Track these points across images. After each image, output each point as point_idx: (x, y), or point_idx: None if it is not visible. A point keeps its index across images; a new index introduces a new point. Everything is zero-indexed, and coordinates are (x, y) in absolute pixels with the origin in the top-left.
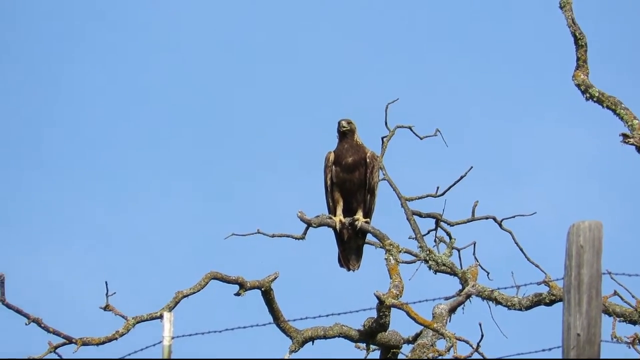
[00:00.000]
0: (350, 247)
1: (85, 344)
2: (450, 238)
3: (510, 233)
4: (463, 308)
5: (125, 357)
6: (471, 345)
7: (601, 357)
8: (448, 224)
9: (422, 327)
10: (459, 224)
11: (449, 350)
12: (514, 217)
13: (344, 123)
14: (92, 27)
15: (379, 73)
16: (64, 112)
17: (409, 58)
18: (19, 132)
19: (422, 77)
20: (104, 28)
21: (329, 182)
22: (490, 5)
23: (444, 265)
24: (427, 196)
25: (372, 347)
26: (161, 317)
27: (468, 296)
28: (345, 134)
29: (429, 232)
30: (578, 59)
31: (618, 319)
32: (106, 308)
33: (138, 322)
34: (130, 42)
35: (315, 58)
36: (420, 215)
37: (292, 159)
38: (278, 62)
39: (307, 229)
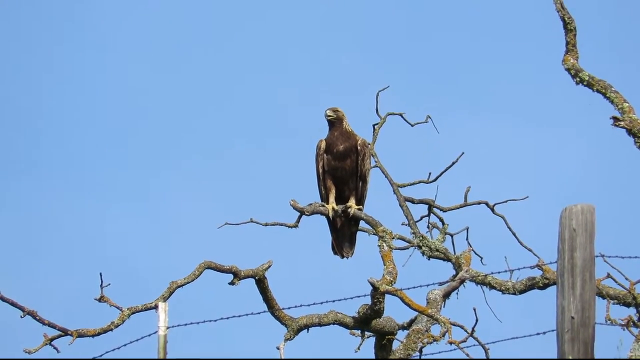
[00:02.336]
0: (343, 235)
1: (80, 335)
2: (443, 224)
3: (503, 218)
4: (457, 293)
5: (121, 348)
6: (466, 330)
7: (596, 340)
8: (441, 210)
9: (417, 313)
10: (451, 209)
11: (443, 336)
12: (506, 201)
13: (328, 112)
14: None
15: (372, 62)
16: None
17: (398, 46)
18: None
19: (413, 65)
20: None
21: (320, 170)
22: None
23: (437, 250)
24: (420, 182)
25: (366, 333)
26: (156, 307)
27: (462, 281)
28: (333, 122)
29: (421, 218)
30: (567, 43)
31: (612, 301)
32: (101, 299)
33: (133, 313)
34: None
35: (309, 46)
36: (412, 201)
37: (282, 147)
38: (281, 49)
39: (300, 217)
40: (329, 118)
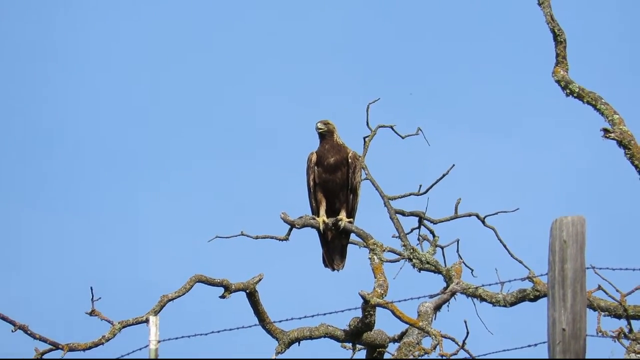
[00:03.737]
0: (334, 247)
1: (71, 349)
2: (434, 236)
3: (494, 229)
4: (448, 305)
5: None
6: (457, 343)
7: (587, 352)
8: (431, 222)
9: (408, 325)
10: (442, 221)
11: (434, 348)
12: (496, 213)
13: (319, 125)
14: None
15: (363, 72)
16: None
17: (390, 56)
18: None
19: (404, 77)
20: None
21: (311, 183)
22: (470, 3)
23: (427, 263)
24: (410, 195)
25: (358, 346)
26: (147, 321)
27: (453, 293)
28: (324, 135)
29: (412, 231)
30: (557, 55)
31: (603, 313)
32: (92, 313)
33: (124, 327)
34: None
35: (299, 57)
36: (403, 213)
37: (274, 160)
38: (272, 60)
39: (290, 230)
40: (320, 131)
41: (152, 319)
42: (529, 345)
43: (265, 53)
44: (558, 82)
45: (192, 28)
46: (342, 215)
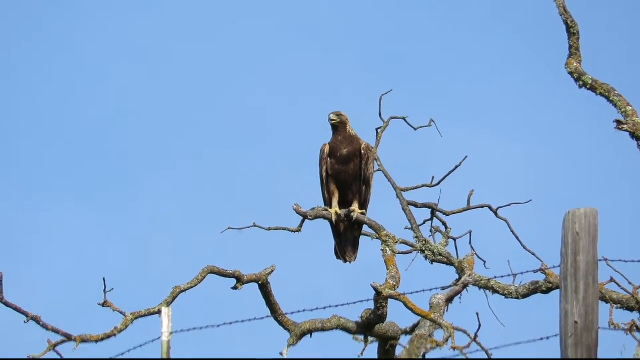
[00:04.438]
0: (346, 239)
1: (84, 341)
2: (446, 228)
3: (506, 221)
4: (460, 298)
5: (124, 354)
6: (469, 335)
7: (599, 344)
8: (444, 214)
9: (420, 317)
10: (454, 213)
11: (446, 341)
12: (509, 205)
13: (332, 116)
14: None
15: (374, 63)
16: None
17: (404, 48)
18: None
19: (416, 68)
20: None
21: (324, 174)
22: None
23: (440, 255)
24: (423, 186)
25: (370, 338)
26: (159, 312)
27: (465, 286)
28: (337, 126)
29: (424, 222)
30: (570, 46)
31: (615, 305)
32: (104, 304)
33: (136, 318)
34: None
35: (312, 50)
36: (415, 205)
37: (287, 151)
38: (281, 54)
39: (303, 221)
40: (333, 122)
41: (164, 310)
42: (541, 338)
43: (276, 45)
44: (571, 73)
45: (200, 21)
46: (355, 206)
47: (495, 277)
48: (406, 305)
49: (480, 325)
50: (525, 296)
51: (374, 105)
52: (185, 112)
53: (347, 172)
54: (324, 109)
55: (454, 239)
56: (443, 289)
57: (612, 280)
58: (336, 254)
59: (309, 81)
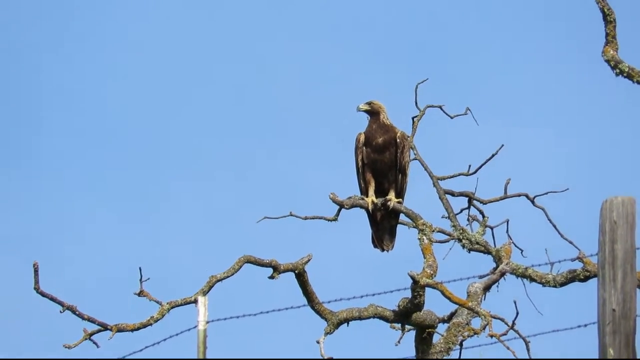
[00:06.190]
0: (383, 228)
1: (120, 330)
2: (483, 216)
3: (543, 210)
4: (497, 286)
5: (160, 342)
6: (506, 323)
7: (637, 332)
8: (481, 202)
9: (457, 306)
10: (491, 202)
11: (484, 329)
12: (546, 193)
13: (361, 105)
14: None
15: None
16: None
17: (440, 36)
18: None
19: (450, 59)
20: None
21: (360, 163)
22: None
23: (477, 243)
24: (459, 175)
25: (407, 327)
26: (195, 301)
27: (502, 274)
28: (372, 115)
29: (461, 211)
30: (607, 34)
31: None
32: (140, 294)
33: (172, 307)
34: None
35: (349, 39)
36: (452, 194)
37: (323, 141)
38: (315, 42)
39: (339, 210)
40: (363, 110)
41: (200, 299)
42: (579, 326)
43: (307, 35)
44: (608, 61)
45: (224, 16)
46: (391, 195)
47: (533, 266)
48: (443, 294)
49: (517, 313)
50: (562, 284)
51: (408, 96)
52: (216, 106)
53: (382, 160)
54: (354, 100)
55: (491, 228)
56: (480, 277)
57: None
58: (373, 242)
59: (335, 72)
